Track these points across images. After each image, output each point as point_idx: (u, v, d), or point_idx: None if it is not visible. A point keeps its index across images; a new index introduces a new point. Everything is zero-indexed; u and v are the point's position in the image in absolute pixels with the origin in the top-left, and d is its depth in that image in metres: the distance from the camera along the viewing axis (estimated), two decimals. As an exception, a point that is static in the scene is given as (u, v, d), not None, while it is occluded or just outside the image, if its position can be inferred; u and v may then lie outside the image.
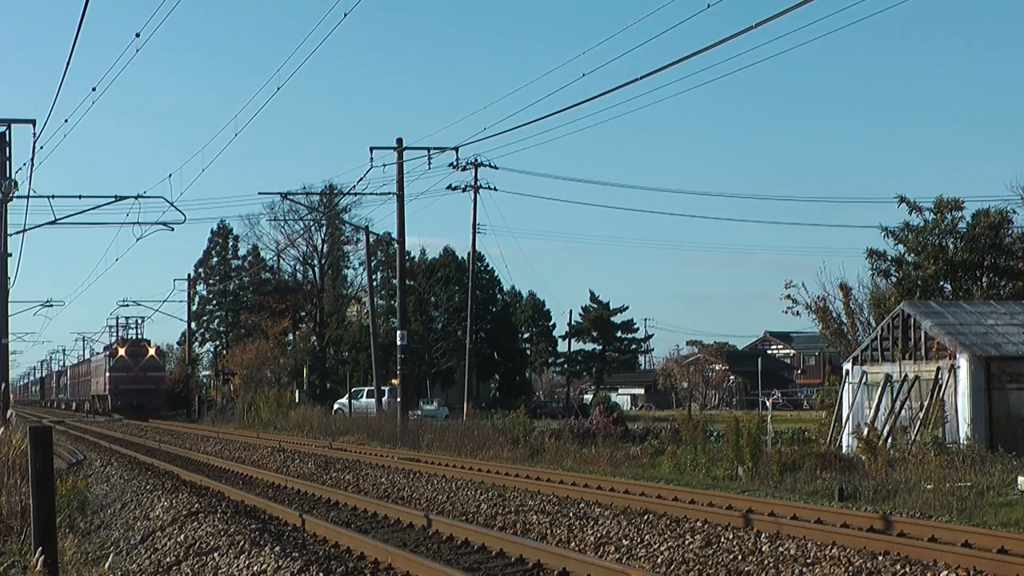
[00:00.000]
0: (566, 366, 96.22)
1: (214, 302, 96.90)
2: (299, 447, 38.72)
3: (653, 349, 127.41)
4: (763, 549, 13.76)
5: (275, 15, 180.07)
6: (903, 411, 28.86)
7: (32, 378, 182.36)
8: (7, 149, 32.07)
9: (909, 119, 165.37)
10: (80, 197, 36.69)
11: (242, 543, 14.42)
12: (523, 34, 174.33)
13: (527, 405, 51.43)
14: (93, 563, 14.72)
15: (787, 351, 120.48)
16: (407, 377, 47.55)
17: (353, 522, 18.17)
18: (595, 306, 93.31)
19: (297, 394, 72.07)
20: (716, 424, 34.66)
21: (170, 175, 72.05)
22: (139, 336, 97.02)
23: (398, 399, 46.86)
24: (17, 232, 36.45)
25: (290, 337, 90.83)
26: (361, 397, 65.01)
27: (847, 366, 32.29)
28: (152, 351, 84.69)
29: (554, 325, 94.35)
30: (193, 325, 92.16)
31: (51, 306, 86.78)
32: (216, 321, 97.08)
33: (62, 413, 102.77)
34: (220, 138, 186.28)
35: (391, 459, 31.31)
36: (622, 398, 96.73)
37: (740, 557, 13.38)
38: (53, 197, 36.33)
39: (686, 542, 14.45)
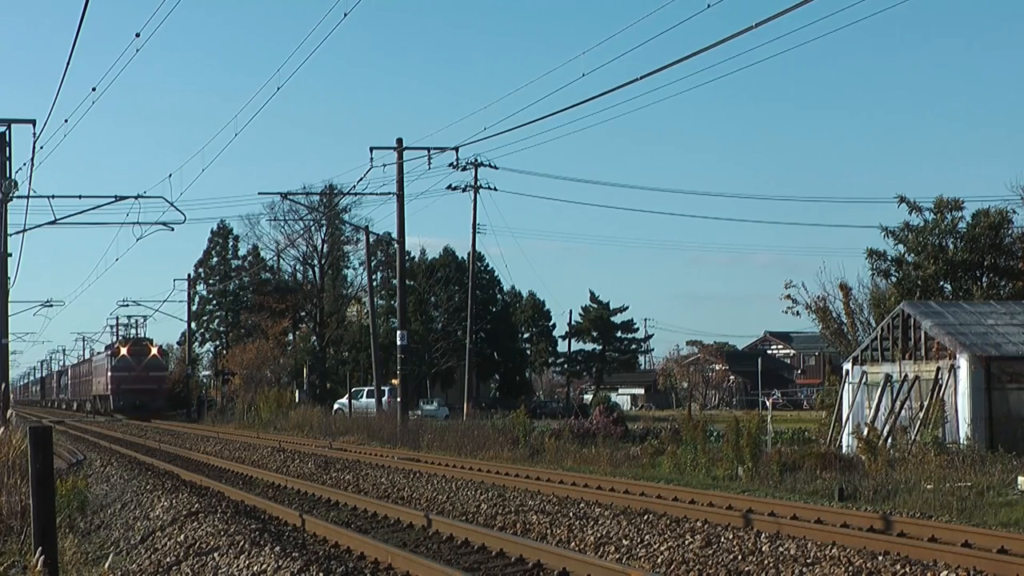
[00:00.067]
0: (566, 366, 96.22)
1: (214, 302, 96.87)
2: (299, 447, 38.72)
3: (653, 349, 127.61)
4: (763, 549, 13.77)
5: (275, 15, 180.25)
6: (903, 411, 28.86)
7: (32, 378, 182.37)
8: (7, 149, 32.06)
9: (909, 119, 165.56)
10: (80, 197, 36.71)
11: (242, 543, 14.42)
12: (523, 34, 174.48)
13: (527, 405, 51.43)
14: (93, 563, 14.72)
15: (787, 351, 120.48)
16: (407, 377, 47.54)
17: (353, 522, 18.17)
18: (595, 306, 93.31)
19: (297, 394, 72.05)
20: (716, 424, 34.66)
21: (170, 175, 72.15)
22: (141, 335, 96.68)
23: (398, 399, 46.86)
24: (17, 232, 36.48)
25: (290, 337, 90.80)
26: (361, 397, 65.00)
27: (847, 366, 32.29)
28: (154, 350, 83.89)
29: (554, 325, 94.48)
30: (193, 325, 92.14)
31: (51, 306, 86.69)
32: (216, 321, 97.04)
33: (62, 413, 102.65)
34: (220, 138, 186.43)
35: (391, 459, 31.31)
36: (622, 398, 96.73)
37: (740, 557, 13.38)
38: (53, 197, 36.35)
39: (686, 542, 14.45)
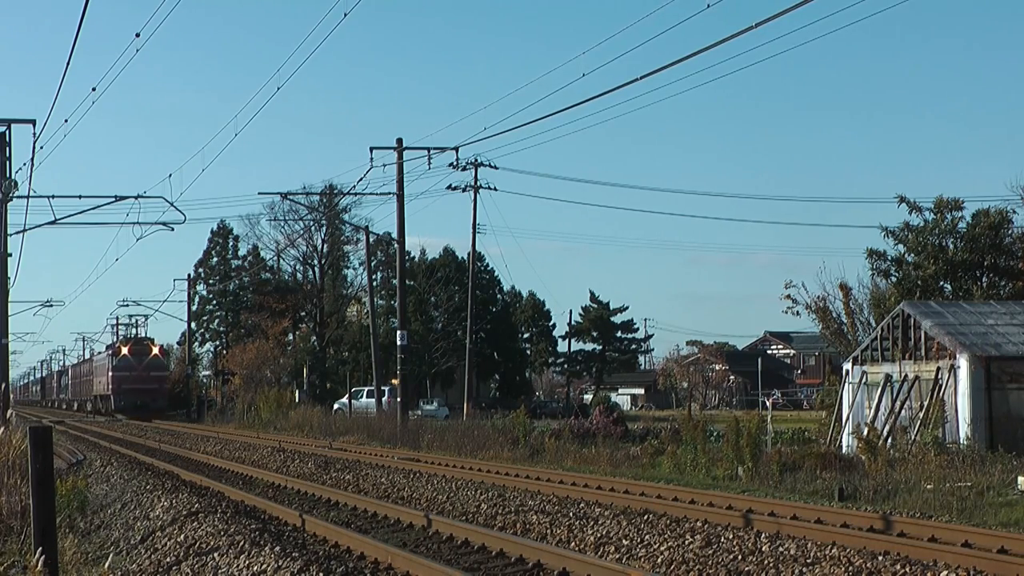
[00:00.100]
0: (566, 366, 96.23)
1: (214, 302, 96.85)
2: (299, 447, 38.72)
3: (653, 349, 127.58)
4: (763, 549, 13.77)
5: (275, 15, 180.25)
6: (903, 411, 28.86)
7: (32, 378, 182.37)
8: (7, 149, 32.07)
9: (909, 119, 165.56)
10: (80, 197, 36.71)
11: (242, 543, 14.42)
12: (523, 34, 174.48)
13: (527, 405, 51.44)
14: (93, 563, 14.72)
15: (787, 351, 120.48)
16: (407, 377, 47.55)
17: (353, 522, 18.17)
18: (595, 306, 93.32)
19: (297, 394, 72.04)
20: (716, 424, 34.66)
21: (170, 175, 72.14)
22: (142, 335, 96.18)
23: (398, 399, 46.86)
24: (17, 232, 36.48)
25: (290, 337, 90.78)
26: (361, 397, 65.00)
27: (847, 366, 32.29)
28: (156, 350, 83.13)
29: (554, 325, 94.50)
30: (193, 325, 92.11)
31: (51, 306, 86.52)
32: (216, 321, 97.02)
33: (63, 413, 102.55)
34: (220, 138, 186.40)
35: (391, 459, 31.31)
36: (622, 398, 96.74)
37: (740, 557, 13.38)
38: (53, 197, 36.35)
39: (686, 542, 14.45)
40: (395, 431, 42.21)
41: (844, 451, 28.32)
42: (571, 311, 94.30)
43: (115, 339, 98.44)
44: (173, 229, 38.32)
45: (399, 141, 45.32)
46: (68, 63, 28.45)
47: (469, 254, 64.67)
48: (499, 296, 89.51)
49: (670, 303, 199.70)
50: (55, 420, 72.97)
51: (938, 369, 28.23)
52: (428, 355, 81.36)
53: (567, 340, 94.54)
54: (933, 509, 18.21)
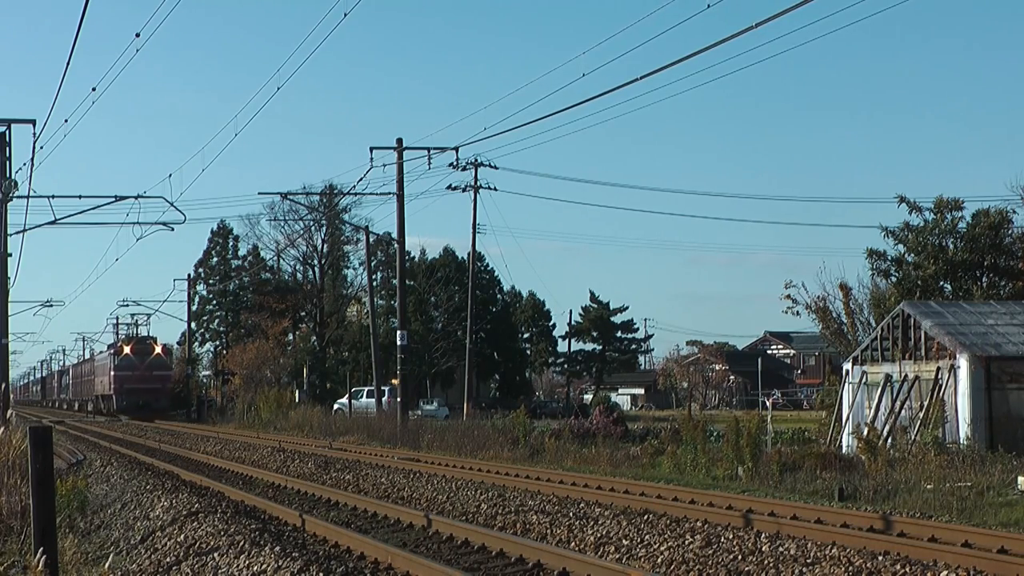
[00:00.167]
0: (566, 366, 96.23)
1: (214, 302, 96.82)
2: (299, 447, 38.72)
3: (653, 349, 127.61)
4: (763, 549, 13.77)
5: (275, 15, 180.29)
6: (903, 411, 28.86)
7: (32, 378, 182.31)
8: (7, 149, 32.06)
9: (909, 119, 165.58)
10: (80, 197, 36.68)
11: (242, 543, 14.42)
12: (523, 34, 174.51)
13: (527, 405, 51.44)
14: (93, 563, 14.72)
15: (787, 351, 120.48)
16: (407, 377, 47.55)
17: (353, 522, 18.17)
18: (595, 306, 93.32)
19: (297, 394, 72.01)
20: (716, 424, 34.66)
21: (170, 175, 72.21)
22: (143, 334, 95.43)
23: (398, 399, 46.86)
24: (17, 232, 36.48)
25: (290, 337, 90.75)
26: (361, 397, 64.99)
27: (847, 366, 32.29)
28: (158, 349, 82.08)
29: (554, 325, 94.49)
30: (193, 325, 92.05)
31: (51, 306, 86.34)
32: (216, 321, 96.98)
33: (63, 413, 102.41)
34: (220, 138, 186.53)
35: (391, 459, 31.31)
36: (622, 398, 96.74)
37: (740, 557, 13.38)
38: (53, 197, 36.33)
39: (686, 542, 14.45)
40: (395, 431, 42.21)
41: (844, 451, 28.32)
42: (571, 311, 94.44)
43: (116, 339, 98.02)
44: (173, 229, 38.33)
45: (399, 141, 45.34)
46: (68, 63, 28.49)
47: (469, 254, 64.69)
48: (499, 296, 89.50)
49: (670, 303, 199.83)
50: (55, 420, 72.92)
51: (938, 369, 28.23)
52: (428, 355, 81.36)
53: (567, 340, 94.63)
54: (933, 509, 18.21)
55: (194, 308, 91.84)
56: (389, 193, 47.01)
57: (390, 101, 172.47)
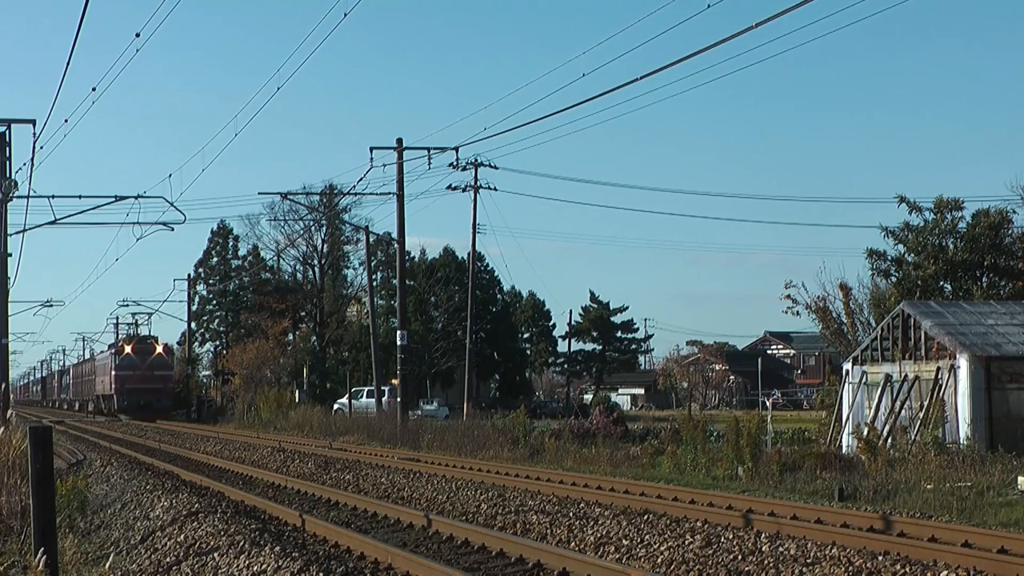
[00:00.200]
0: (566, 366, 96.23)
1: (214, 302, 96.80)
2: (299, 447, 38.72)
3: (653, 349, 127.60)
4: (763, 549, 13.77)
5: (275, 15, 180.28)
6: (903, 411, 28.86)
7: (32, 378, 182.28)
8: (7, 149, 32.06)
9: (909, 119, 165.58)
10: (80, 197, 36.68)
11: (242, 543, 14.42)
12: (523, 34, 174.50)
13: (527, 405, 51.45)
14: (93, 563, 14.73)
15: (787, 351, 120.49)
16: (407, 377, 47.55)
17: (353, 522, 18.17)
18: (595, 306, 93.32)
19: (297, 394, 72.01)
20: (716, 424, 34.66)
21: (170, 175, 72.20)
22: (144, 333, 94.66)
23: (398, 399, 46.87)
24: (17, 232, 36.47)
25: (290, 337, 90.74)
26: (361, 397, 64.99)
27: (847, 366, 32.29)
28: (160, 348, 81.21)
29: (554, 325, 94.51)
30: (193, 325, 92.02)
31: (51, 306, 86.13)
32: (216, 321, 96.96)
33: (63, 413, 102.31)
34: (220, 138, 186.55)
35: (391, 459, 31.31)
36: (622, 398, 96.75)
37: (740, 557, 13.38)
38: (53, 197, 36.32)
39: (686, 542, 14.45)
40: (395, 431, 42.21)
41: (844, 451, 28.32)
42: (571, 311, 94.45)
43: (116, 338, 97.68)
44: (173, 229, 38.32)
45: (399, 141, 45.35)
46: (68, 63, 28.49)
47: (469, 254, 64.69)
48: (499, 296, 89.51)
49: (670, 303, 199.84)
50: (55, 420, 72.87)
51: (938, 369, 28.23)
52: (428, 355, 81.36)
53: (567, 340, 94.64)
54: (933, 509, 18.21)
55: (194, 308, 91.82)
56: (389, 193, 47.06)
57: (390, 101, 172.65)
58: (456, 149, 46.24)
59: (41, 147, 31.25)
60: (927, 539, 14.71)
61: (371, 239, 62.88)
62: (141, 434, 53.57)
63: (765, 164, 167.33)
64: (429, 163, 45.20)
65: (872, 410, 30.18)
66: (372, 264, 67.05)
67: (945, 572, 12.27)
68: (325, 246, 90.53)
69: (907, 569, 12.34)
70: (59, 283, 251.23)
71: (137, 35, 25.81)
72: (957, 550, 13.57)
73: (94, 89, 28.31)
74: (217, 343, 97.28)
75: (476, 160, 56.65)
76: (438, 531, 16.47)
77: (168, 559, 14.44)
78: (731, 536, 14.73)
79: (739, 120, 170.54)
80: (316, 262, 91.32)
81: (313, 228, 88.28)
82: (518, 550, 14.11)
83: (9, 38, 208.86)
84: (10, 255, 33.41)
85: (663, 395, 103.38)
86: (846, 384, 32.06)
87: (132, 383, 77.66)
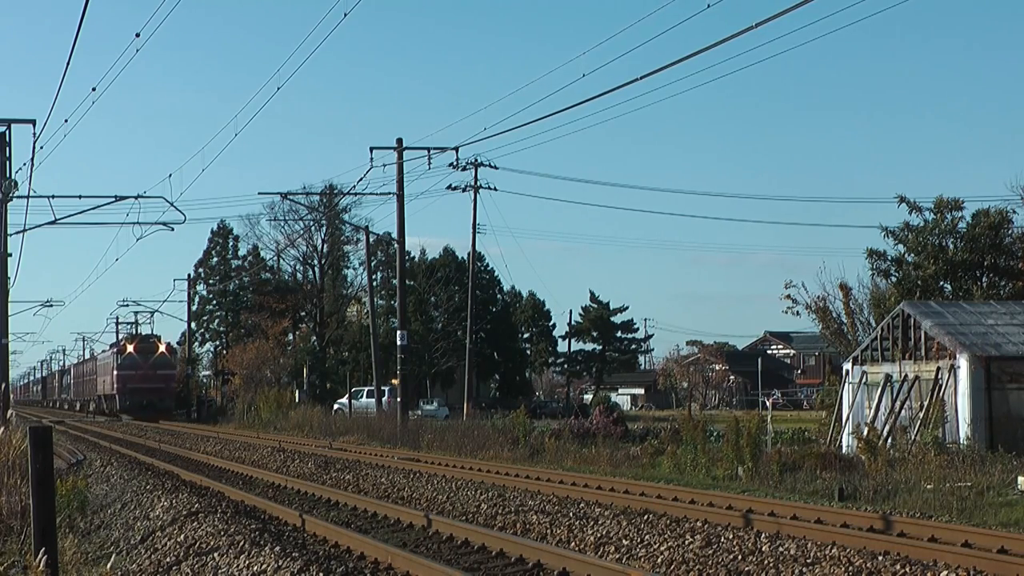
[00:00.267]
0: (566, 366, 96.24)
1: (214, 302, 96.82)
2: (299, 447, 38.72)
3: (653, 349, 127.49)
4: (763, 549, 13.77)
5: (275, 15, 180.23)
6: (903, 411, 28.86)
7: (33, 378, 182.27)
8: (7, 149, 32.06)
9: (909, 119, 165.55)
10: (80, 197, 36.68)
11: (242, 543, 14.42)
12: (523, 34, 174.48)
13: (527, 405, 51.44)
14: (93, 563, 14.73)
15: (787, 351, 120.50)
16: (407, 377, 47.55)
17: (353, 522, 18.17)
18: (595, 306, 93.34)
19: (297, 394, 72.00)
20: (716, 424, 34.66)
21: (170, 175, 72.10)
22: (147, 332, 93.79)
23: (398, 399, 46.88)
24: (17, 232, 36.47)
25: (290, 337, 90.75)
26: (361, 397, 65.00)
27: (847, 366, 32.29)
28: (162, 347, 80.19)
29: (554, 325, 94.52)
30: (193, 325, 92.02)
31: (51, 306, 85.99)
32: (216, 321, 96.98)
33: (63, 413, 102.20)
34: (220, 138, 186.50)
35: (391, 459, 31.31)
36: (622, 398, 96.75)
37: (740, 557, 13.38)
38: (53, 197, 36.32)
39: (686, 542, 14.45)
40: (395, 431, 42.21)
41: (844, 451, 28.32)
42: (571, 311, 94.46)
43: (117, 338, 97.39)
44: (173, 229, 38.33)
45: (399, 141, 45.36)
46: (68, 63, 28.49)
47: (469, 254, 64.70)
48: (499, 296, 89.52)
49: (670, 303, 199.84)
50: (55, 420, 72.81)
51: (938, 369, 28.23)
52: (428, 355, 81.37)
53: (567, 340, 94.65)
54: (933, 509, 18.21)
55: (194, 308, 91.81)
56: (389, 193, 47.07)
57: (390, 101, 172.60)
58: (456, 149, 46.29)
59: (41, 147, 31.28)
60: (927, 539, 14.71)
61: (371, 239, 62.90)
62: (141, 434, 53.58)
63: (765, 164, 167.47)
64: (429, 163, 45.27)
65: (872, 410, 30.18)
66: (372, 264, 67.06)
67: (945, 572, 12.27)
68: (325, 246, 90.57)
69: (907, 569, 12.35)
70: (59, 283, 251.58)
71: (137, 35, 25.80)
72: (957, 550, 13.57)
73: (94, 89, 28.35)
74: (217, 343, 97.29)
75: (476, 160, 56.71)
76: (438, 531, 16.47)
77: (168, 559, 14.44)
78: (731, 536, 14.73)
79: (739, 120, 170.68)
80: (316, 262, 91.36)
81: (313, 228, 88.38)
82: (518, 550, 14.11)
83: (9, 38, 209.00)
84: (10, 255, 33.45)
85: (663, 395, 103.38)
86: (846, 384, 32.07)
87: (134, 383, 76.71)
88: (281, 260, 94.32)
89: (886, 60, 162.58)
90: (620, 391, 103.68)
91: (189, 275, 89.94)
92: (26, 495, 14.67)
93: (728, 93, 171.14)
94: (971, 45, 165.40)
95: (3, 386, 30.61)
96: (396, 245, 49.18)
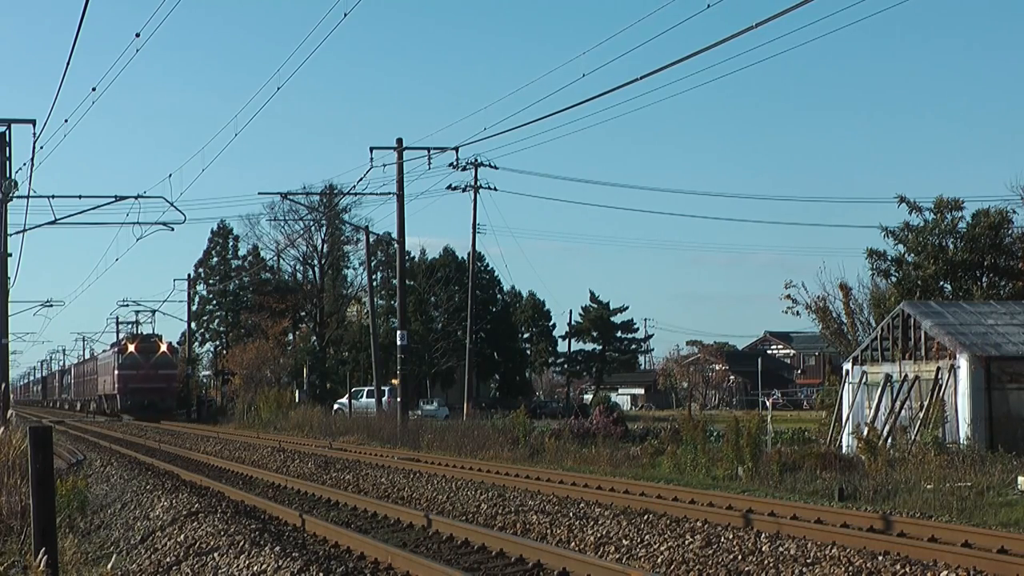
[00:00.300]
0: (566, 366, 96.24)
1: (214, 302, 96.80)
2: (299, 447, 38.73)
3: (653, 349, 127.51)
4: (763, 549, 13.77)
5: (275, 15, 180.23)
6: (903, 411, 28.86)
7: (33, 378, 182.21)
8: (7, 149, 32.06)
9: (909, 119, 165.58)
10: (80, 197, 36.66)
11: (242, 543, 14.42)
12: (523, 34, 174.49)
13: (527, 405, 51.43)
14: (93, 563, 14.73)
15: (787, 351, 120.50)
16: (407, 377, 47.55)
17: (353, 522, 18.17)
18: (595, 306, 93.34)
19: (297, 394, 71.98)
20: (716, 424, 34.66)
21: (170, 175, 72.14)
22: (148, 331, 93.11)
23: (398, 399, 46.88)
24: (17, 232, 36.46)
25: (290, 337, 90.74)
26: (361, 397, 65.00)
27: (847, 366, 32.29)
28: (164, 347, 79.59)
29: (554, 325, 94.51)
30: (193, 325, 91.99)
31: (51, 306, 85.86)
32: (216, 321, 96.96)
33: (63, 413, 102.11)
34: (220, 138, 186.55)
35: (391, 459, 31.31)
36: (622, 398, 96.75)
37: (740, 557, 13.38)
38: (53, 197, 36.30)
39: (686, 542, 14.45)
40: (395, 431, 42.21)
41: (844, 451, 28.32)
42: (571, 311, 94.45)
43: (117, 337, 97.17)
44: (173, 229, 38.30)
45: (399, 141, 45.36)
46: (68, 63, 28.50)
47: (469, 254, 64.69)
48: (499, 296, 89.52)
49: (670, 303, 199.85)
50: (55, 420, 72.77)
51: (938, 369, 28.23)
52: (428, 355, 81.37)
53: (567, 340, 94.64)
54: (933, 509, 18.21)
55: (194, 308, 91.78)
56: (389, 193, 47.06)
57: (390, 101, 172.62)
58: (456, 149, 46.27)
59: (41, 147, 31.28)
60: (927, 539, 14.71)
61: (371, 239, 62.90)
62: (141, 434, 53.58)
63: (765, 164, 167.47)
64: (429, 163, 45.26)
65: (872, 410, 30.18)
66: (372, 264, 67.06)
67: (945, 572, 12.28)
68: (325, 246, 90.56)
69: (907, 569, 12.35)
70: (59, 283, 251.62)
71: (137, 35, 25.80)
72: (957, 550, 13.57)
73: (94, 89, 28.34)
74: (217, 343, 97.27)
75: (476, 160, 56.70)
76: (438, 531, 16.47)
77: (168, 559, 14.45)
78: (731, 536, 14.73)
79: (739, 120, 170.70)
80: (316, 262, 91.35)
81: (313, 228, 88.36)
82: (518, 550, 14.11)
83: (9, 38, 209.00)
84: (10, 255, 33.44)
85: (663, 395, 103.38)
86: (846, 384, 32.07)
87: (136, 383, 76.18)
88: (281, 260, 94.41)
89: (886, 60, 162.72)
90: (620, 391, 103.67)
91: (189, 275, 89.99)
92: (26, 495, 14.67)
93: (728, 93, 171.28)
94: (971, 45, 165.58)
95: (3, 386, 30.61)
96: (396, 245, 49.18)
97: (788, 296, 41.36)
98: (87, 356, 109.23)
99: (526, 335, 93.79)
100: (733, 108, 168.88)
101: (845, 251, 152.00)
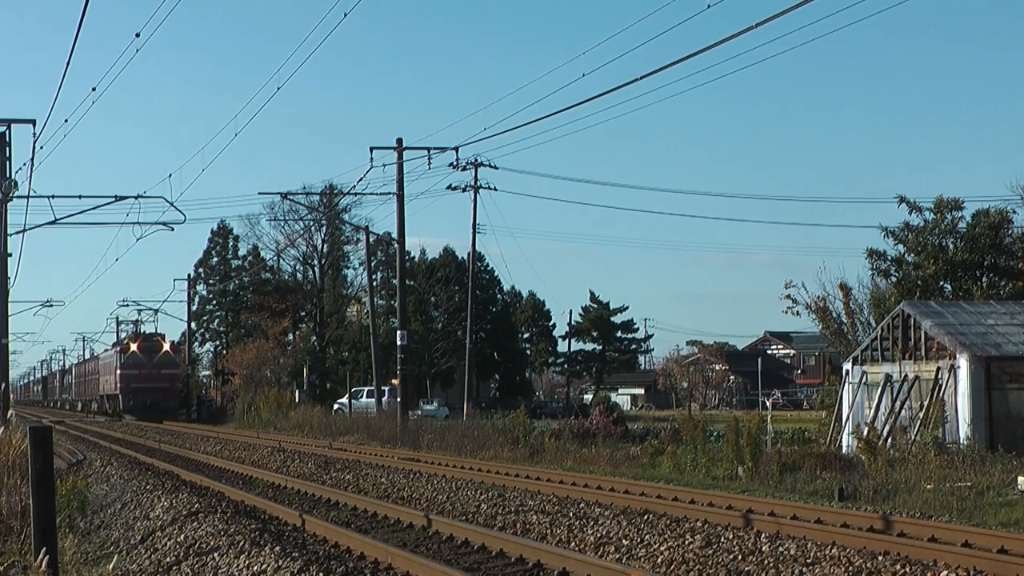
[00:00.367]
0: (566, 366, 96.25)
1: (214, 302, 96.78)
2: (299, 447, 38.73)
3: (653, 349, 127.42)
4: (763, 549, 13.77)
5: (275, 15, 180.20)
6: (903, 411, 28.86)
7: (33, 378, 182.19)
8: (7, 149, 32.05)
9: (909, 119, 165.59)
10: (80, 197, 36.65)
11: (242, 543, 14.43)
12: (523, 34, 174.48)
13: (527, 405, 51.43)
14: (93, 563, 14.73)
15: (787, 351, 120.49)
16: (407, 377, 47.55)
17: (353, 522, 18.17)
18: (595, 306, 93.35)
19: (297, 394, 71.96)
20: (716, 424, 34.66)
21: (170, 175, 71.99)
22: (150, 331, 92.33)
23: (398, 399, 46.88)
24: (17, 232, 36.45)
25: (290, 337, 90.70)
26: (361, 397, 64.99)
27: (847, 366, 32.29)
28: (166, 346, 78.81)
29: (554, 325, 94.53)
30: (193, 325, 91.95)
31: (51, 306, 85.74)
32: (216, 321, 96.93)
33: (64, 413, 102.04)
34: (220, 138, 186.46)
35: (391, 459, 31.32)
36: (622, 398, 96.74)
37: (740, 557, 13.38)
38: (53, 197, 36.29)
39: (686, 542, 14.45)
40: (395, 431, 42.21)
41: (844, 451, 28.32)
42: (571, 311, 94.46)
43: (117, 337, 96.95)
44: (173, 229, 38.28)
45: (399, 141, 45.35)
46: (68, 63, 28.51)
47: (469, 254, 64.69)
48: (499, 296, 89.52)
49: (670, 303, 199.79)
50: (55, 420, 72.73)
51: (938, 369, 28.23)
52: (428, 355, 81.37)
53: (567, 340, 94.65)
54: (933, 509, 18.21)
55: (194, 308, 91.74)
56: (389, 193, 47.06)
57: (390, 101, 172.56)
58: (456, 149, 46.26)
59: (41, 147, 31.26)
60: (927, 539, 14.71)
61: (371, 239, 62.90)
62: (141, 434, 53.58)
63: (765, 164, 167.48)
64: (429, 163, 45.25)
65: (872, 410, 30.18)
66: (372, 264, 67.07)
67: (945, 572, 12.28)
68: (325, 246, 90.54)
69: (907, 569, 12.35)
70: (59, 283, 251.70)
71: (137, 35, 25.72)
72: (957, 550, 13.57)
73: (94, 89, 28.33)
74: (217, 343, 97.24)
75: (476, 160, 56.67)
76: (438, 531, 16.47)
77: (168, 559, 14.45)
78: (731, 536, 14.73)
79: (739, 120, 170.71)
80: (316, 262, 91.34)
81: (313, 228, 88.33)
82: (518, 550, 14.11)
83: (9, 38, 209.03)
84: (10, 255, 33.43)
85: (663, 395, 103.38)
86: (846, 384, 32.07)
87: (138, 382, 75.36)
88: (281, 260, 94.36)
89: (886, 60, 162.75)
90: (620, 391, 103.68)
91: (189, 275, 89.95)
92: (26, 495, 14.67)
93: (728, 93, 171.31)
94: (971, 45, 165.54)
95: (3, 386, 30.61)
96: (396, 245, 49.18)
97: (788, 296, 41.40)
98: (87, 356, 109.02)
99: (526, 335, 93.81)
100: (733, 108, 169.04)
101: (845, 251, 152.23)
